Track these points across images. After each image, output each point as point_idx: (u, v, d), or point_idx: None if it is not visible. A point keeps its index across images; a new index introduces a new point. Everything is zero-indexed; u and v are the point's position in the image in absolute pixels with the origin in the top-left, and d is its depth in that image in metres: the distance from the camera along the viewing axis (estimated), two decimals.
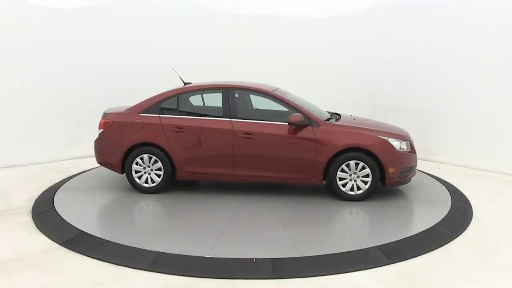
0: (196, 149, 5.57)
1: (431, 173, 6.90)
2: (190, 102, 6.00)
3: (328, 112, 6.17)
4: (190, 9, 9.37)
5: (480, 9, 7.23)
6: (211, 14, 9.62)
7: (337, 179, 5.32)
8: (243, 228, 4.49)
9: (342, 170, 5.29)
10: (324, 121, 5.51)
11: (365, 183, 5.30)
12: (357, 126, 5.50)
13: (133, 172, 5.66)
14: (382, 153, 5.26)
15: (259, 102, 6.03)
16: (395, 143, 5.35)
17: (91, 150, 8.03)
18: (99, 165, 7.21)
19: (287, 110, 5.54)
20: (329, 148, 5.28)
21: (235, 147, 5.44)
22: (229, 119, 5.51)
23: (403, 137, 5.50)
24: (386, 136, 5.36)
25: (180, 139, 5.57)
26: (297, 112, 5.42)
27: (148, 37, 8.78)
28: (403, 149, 5.39)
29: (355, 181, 5.31)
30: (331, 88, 9.52)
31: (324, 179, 5.41)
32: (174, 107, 5.76)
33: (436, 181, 6.41)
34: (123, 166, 5.70)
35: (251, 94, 5.90)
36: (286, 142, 5.40)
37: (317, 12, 9.81)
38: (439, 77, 7.85)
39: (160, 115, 5.70)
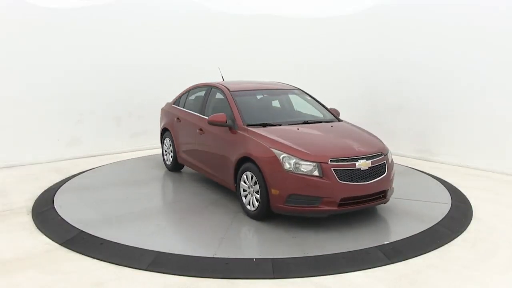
0: (183, 138, 6.33)
1: (431, 173, 6.90)
2: (196, 97, 6.46)
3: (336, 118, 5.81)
4: (190, 9, 9.37)
5: (480, 9, 7.23)
6: (211, 14, 9.63)
7: (241, 190, 4.83)
8: (245, 228, 4.49)
9: (245, 181, 4.77)
10: (248, 125, 4.97)
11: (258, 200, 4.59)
12: (267, 135, 4.67)
13: (163, 151, 7.01)
14: (268, 169, 4.39)
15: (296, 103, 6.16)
16: (291, 161, 4.28)
17: (91, 150, 8.10)
18: (99, 165, 7.27)
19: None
20: (234, 155, 4.90)
21: (196, 141, 5.90)
22: (199, 115, 5.93)
23: (307, 156, 4.30)
24: (280, 150, 4.38)
25: (178, 127, 6.46)
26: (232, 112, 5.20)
27: (148, 37, 8.79)
28: (308, 171, 4.24)
29: (252, 195, 4.69)
30: (331, 88, 9.51)
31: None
32: (184, 101, 6.64)
33: (436, 181, 6.41)
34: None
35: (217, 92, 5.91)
36: (218, 142, 5.35)
37: (317, 12, 9.81)
38: (439, 77, 7.85)
39: (177, 107, 6.71)
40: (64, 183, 6.12)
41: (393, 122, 8.64)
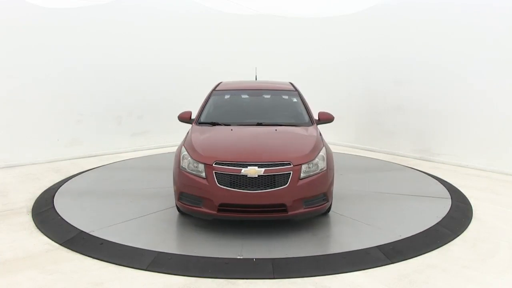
0: None
1: (431, 173, 6.90)
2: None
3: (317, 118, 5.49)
4: (190, 9, 9.38)
5: (480, 9, 7.24)
6: (211, 14, 9.63)
7: None
8: (244, 228, 4.48)
9: None
10: (200, 123, 5.21)
11: None
12: (193, 134, 4.85)
13: None
14: (174, 166, 4.59)
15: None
16: (186, 160, 4.38)
17: (91, 150, 8.10)
18: (99, 165, 7.28)
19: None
20: None
21: None
22: None
23: (198, 156, 4.30)
24: (185, 148, 4.55)
25: None
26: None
27: (149, 37, 8.80)
28: (196, 171, 4.24)
29: None
30: (331, 88, 9.53)
31: None
32: None
33: (436, 181, 6.41)
34: None
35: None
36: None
37: (318, 12, 9.82)
38: (439, 77, 7.86)
39: None
40: (64, 183, 6.12)
41: (393, 122, 8.65)
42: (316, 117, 5.53)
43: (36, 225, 4.59)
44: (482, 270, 3.63)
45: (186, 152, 4.45)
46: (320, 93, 8.88)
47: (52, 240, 4.20)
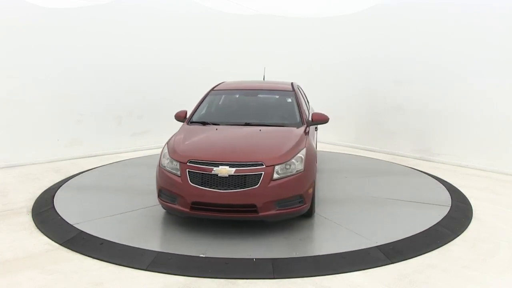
0: None
1: (431, 173, 6.90)
2: None
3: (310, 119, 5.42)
4: (190, 9, 9.37)
5: (480, 9, 7.24)
6: (211, 14, 9.63)
7: None
8: (243, 227, 4.49)
9: None
10: (191, 122, 5.35)
11: None
12: (179, 133, 5.00)
13: None
14: (157, 164, 4.66)
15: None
16: (165, 157, 4.51)
17: (91, 150, 8.10)
18: (99, 165, 7.27)
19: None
20: None
21: None
22: None
23: (174, 154, 4.39)
24: (166, 146, 4.69)
25: None
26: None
27: (149, 37, 8.79)
28: (172, 169, 4.33)
29: None
30: (331, 88, 9.52)
31: None
32: None
33: (436, 181, 6.41)
34: None
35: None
36: None
37: (318, 12, 9.82)
38: (439, 77, 7.86)
39: None
40: (64, 183, 6.12)
41: (393, 122, 8.65)
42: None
43: (36, 225, 4.59)
44: (482, 270, 3.63)
45: (166, 151, 4.56)
46: (320, 93, 8.88)
47: (52, 240, 4.20)
